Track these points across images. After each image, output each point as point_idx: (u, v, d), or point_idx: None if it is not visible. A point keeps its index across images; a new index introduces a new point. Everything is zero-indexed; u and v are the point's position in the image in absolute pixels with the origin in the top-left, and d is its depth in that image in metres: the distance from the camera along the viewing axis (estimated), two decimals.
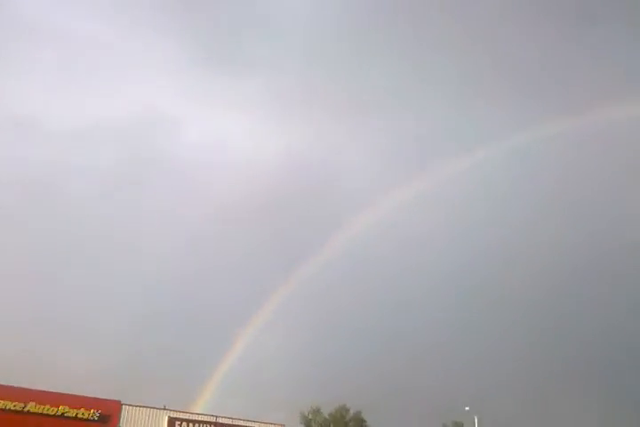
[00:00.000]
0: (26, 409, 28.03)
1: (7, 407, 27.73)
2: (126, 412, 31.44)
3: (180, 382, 34.39)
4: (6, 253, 38.76)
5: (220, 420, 34.88)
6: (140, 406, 32.44)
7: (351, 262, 32.55)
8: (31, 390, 28.81)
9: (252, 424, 36.11)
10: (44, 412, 28.48)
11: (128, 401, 31.85)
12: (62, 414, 28.92)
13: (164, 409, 33.51)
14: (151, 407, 32.94)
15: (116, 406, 31.09)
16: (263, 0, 34.51)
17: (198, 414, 35.21)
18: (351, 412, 46.94)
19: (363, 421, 46.57)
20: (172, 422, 32.81)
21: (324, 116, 35.42)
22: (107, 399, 30.87)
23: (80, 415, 29.30)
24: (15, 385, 28.47)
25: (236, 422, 35.43)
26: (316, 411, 46.35)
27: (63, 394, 29.56)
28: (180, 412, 34.20)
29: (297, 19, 34.61)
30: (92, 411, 29.49)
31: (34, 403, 28.24)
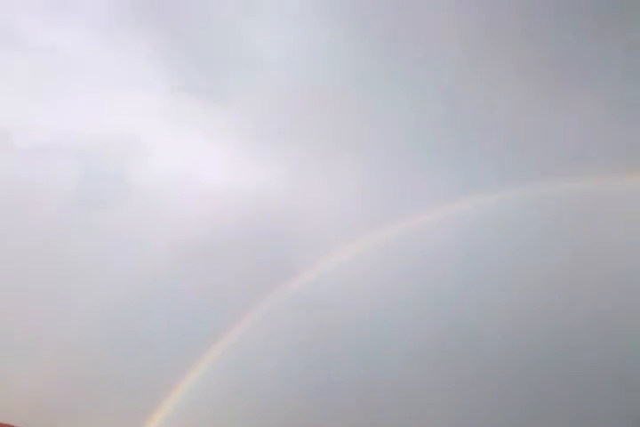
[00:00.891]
0: None
1: None
2: None
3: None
4: None
5: None
6: None
7: (300, 314, 30.70)
8: None
9: None
10: None
11: None
12: None
13: None
14: None
15: None
16: (247, 29, 33.59)
17: None
18: None
19: None
20: None
21: (300, 153, 33.96)
22: None
23: None
24: None
25: None
26: None
27: None
28: None
29: (280, 51, 33.76)
30: None
31: None
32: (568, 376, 28.54)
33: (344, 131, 33.86)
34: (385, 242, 29.39)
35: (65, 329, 30.84)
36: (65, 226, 34.23)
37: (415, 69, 32.99)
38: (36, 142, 35.53)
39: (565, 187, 26.58)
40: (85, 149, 35.13)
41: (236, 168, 34.63)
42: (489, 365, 30.46)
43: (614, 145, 29.94)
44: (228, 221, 32.06)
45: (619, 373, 25.74)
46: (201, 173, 34.96)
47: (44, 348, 31.18)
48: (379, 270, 30.99)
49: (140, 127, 34.98)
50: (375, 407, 31.42)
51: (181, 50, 35.57)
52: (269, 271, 31.16)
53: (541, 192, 26.70)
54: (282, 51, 34.84)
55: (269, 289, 30.40)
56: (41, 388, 30.57)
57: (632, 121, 29.93)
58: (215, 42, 35.04)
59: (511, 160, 30.81)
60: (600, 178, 25.76)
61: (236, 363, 30.01)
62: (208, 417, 31.80)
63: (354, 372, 30.14)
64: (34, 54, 36.84)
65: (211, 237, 31.41)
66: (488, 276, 29.87)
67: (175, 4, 36.79)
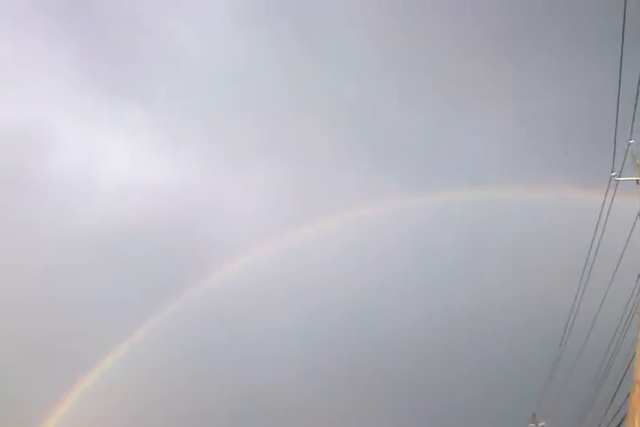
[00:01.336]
0: None
1: None
2: None
3: None
4: None
5: None
6: None
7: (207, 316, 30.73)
8: None
9: None
10: None
11: None
12: None
13: None
14: None
15: None
16: (171, 29, 33.23)
17: None
18: None
19: None
20: None
21: (217, 153, 33.84)
22: None
23: None
24: None
25: None
26: None
27: None
28: None
29: (203, 52, 33.45)
30: None
31: None
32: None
33: (262, 133, 34.20)
34: (295, 243, 29.95)
35: None
36: None
37: (334, 82, 33.19)
38: None
39: (460, 195, 27.24)
40: None
41: (149, 165, 34.75)
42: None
43: (511, 160, 30.51)
44: (136, 216, 32.44)
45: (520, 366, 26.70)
46: (111, 168, 34.94)
47: None
48: (288, 271, 31.64)
49: (49, 121, 34.80)
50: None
51: (100, 48, 35.28)
52: (179, 269, 31.75)
53: (440, 199, 27.36)
54: (205, 51, 34.73)
55: (179, 286, 30.84)
56: None
57: (524, 137, 30.37)
58: (137, 40, 34.92)
59: (414, 170, 31.35)
60: (495, 188, 26.46)
61: (141, 363, 30.58)
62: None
63: (247, 372, 30.42)
64: None
65: (116, 231, 31.77)
66: (386, 277, 30.66)
67: (95, 2, 35.91)
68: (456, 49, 30.12)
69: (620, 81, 9.47)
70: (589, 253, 14.53)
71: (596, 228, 14.29)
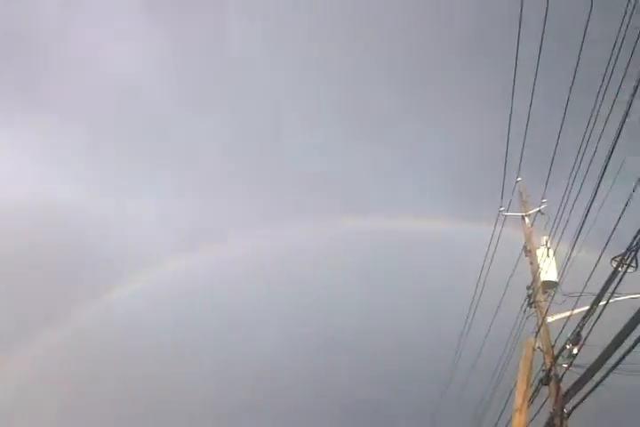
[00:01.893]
0: None
1: None
2: None
3: None
4: None
5: None
6: None
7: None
8: None
9: None
10: None
11: None
12: None
13: None
14: None
15: None
16: (67, 29, 31.95)
17: None
18: None
19: None
20: None
21: (114, 170, 32.97)
22: None
23: None
24: None
25: None
26: None
27: None
28: None
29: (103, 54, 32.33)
30: None
31: None
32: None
33: (161, 150, 33.75)
34: (189, 265, 29.86)
35: None
36: None
37: (235, 110, 33.38)
38: None
39: (359, 224, 28.22)
40: None
41: (45, 182, 33.26)
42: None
43: (407, 190, 31.89)
44: (28, 233, 31.05)
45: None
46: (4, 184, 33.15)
47: None
48: (183, 291, 31.43)
49: None
50: None
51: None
52: (73, 285, 30.79)
53: (343, 227, 28.18)
54: (105, 53, 33.45)
55: (71, 304, 29.79)
56: None
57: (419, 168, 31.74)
58: (34, 45, 33.23)
59: (308, 197, 32.05)
60: (396, 218, 27.61)
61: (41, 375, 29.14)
62: None
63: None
64: None
65: (7, 248, 30.30)
66: (277, 298, 31.13)
67: None
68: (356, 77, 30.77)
69: (509, 126, 10.01)
70: (477, 286, 15.16)
71: (485, 257, 15.02)
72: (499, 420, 14.30)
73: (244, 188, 32.18)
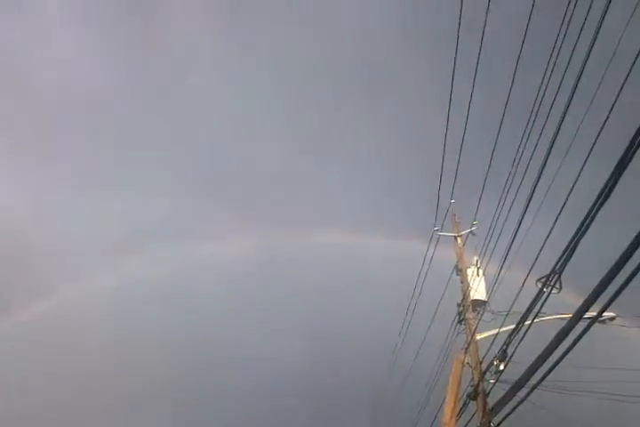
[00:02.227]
0: None
1: None
2: None
3: None
4: None
5: None
6: None
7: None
8: None
9: None
10: None
11: None
12: None
13: None
14: None
15: None
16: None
17: None
18: None
19: None
20: None
21: (44, 178, 32.24)
22: None
23: None
24: None
25: None
26: None
27: None
28: None
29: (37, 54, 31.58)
30: None
31: None
32: None
33: (91, 158, 33.16)
34: (114, 275, 29.62)
35: None
36: None
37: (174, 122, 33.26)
38: None
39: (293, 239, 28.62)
40: None
41: None
42: None
43: (351, 209, 32.53)
44: None
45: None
46: None
47: None
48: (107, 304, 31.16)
49: None
50: None
51: None
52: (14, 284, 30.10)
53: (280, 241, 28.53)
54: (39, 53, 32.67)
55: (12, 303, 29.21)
56: None
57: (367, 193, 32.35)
58: None
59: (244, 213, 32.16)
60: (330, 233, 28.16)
61: None
62: None
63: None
64: None
65: None
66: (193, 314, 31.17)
67: None
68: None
69: (444, 148, 10.34)
70: (410, 302, 15.52)
71: (419, 275, 15.41)
72: None
73: (203, 189, 31.98)
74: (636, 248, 5.47)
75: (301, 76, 29.47)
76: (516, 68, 8.61)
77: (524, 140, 8.93)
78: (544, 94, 8.04)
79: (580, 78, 6.80)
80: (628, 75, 5.87)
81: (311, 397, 28.59)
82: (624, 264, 5.73)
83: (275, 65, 29.48)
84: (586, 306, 6.75)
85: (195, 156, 31.62)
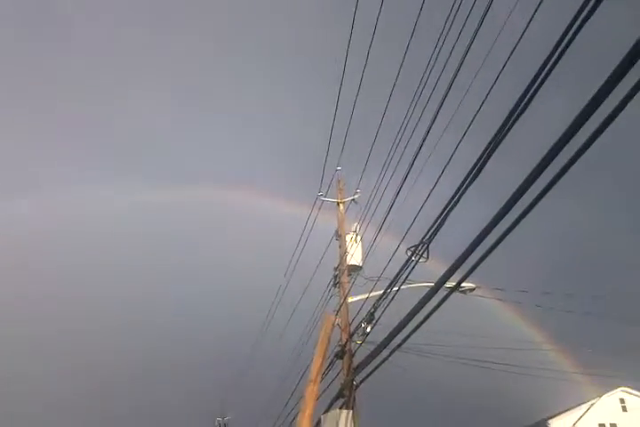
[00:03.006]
0: None
1: None
2: None
3: None
4: None
5: None
6: None
7: None
8: None
9: None
10: None
11: None
12: None
13: None
14: None
15: None
16: None
17: None
18: None
19: None
20: None
21: None
22: None
23: None
24: None
25: None
26: None
27: None
28: None
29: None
30: None
31: None
32: None
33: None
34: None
35: None
36: None
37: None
38: None
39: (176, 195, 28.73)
40: None
41: None
42: None
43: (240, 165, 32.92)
44: None
45: None
46: None
47: None
48: None
49: None
50: None
51: None
52: None
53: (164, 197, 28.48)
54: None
55: None
56: None
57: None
58: None
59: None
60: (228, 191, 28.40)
61: None
62: None
63: None
64: None
65: None
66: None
67: None
68: None
69: (334, 117, 10.47)
70: (290, 263, 15.81)
71: (300, 238, 15.68)
72: (295, 389, 15.09)
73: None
74: (496, 224, 5.83)
75: None
76: (407, 46, 8.76)
77: (410, 114, 9.15)
78: (432, 69, 8.20)
79: (464, 60, 6.99)
80: (504, 65, 6.15)
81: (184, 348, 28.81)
82: (484, 238, 6.11)
83: None
84: (446, 276, 7.18)
85: None
